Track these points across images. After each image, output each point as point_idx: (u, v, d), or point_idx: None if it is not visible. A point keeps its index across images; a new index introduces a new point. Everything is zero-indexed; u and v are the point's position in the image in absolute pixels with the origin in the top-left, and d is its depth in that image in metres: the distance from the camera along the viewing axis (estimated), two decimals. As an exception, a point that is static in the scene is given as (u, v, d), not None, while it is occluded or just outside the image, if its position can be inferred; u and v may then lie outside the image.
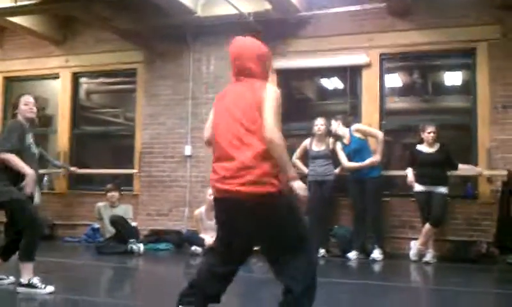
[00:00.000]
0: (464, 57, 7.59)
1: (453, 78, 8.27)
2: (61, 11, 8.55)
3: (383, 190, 7.08)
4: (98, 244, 7.46)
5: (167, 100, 8.36)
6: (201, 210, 7.22)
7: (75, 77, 9.42)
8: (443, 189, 6.55)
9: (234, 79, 3.00)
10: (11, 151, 4.25)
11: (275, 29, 7.69)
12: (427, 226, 6.50)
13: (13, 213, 4.39)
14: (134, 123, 8.88)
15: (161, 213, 8.19)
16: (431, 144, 6.69)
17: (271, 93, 2.82)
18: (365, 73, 7.70)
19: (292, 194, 2.84)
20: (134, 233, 7.29)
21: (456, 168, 6.73)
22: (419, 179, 6.66)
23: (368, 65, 7.64)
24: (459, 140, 7.79)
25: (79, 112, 9.48)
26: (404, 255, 6.85)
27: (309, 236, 2.95)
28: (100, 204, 7.57)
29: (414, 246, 6.67)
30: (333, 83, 8.67)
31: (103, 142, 9.86)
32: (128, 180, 8.66)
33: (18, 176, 4.26)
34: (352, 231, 7.04)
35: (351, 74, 7.83)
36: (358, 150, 6.91)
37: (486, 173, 6.92)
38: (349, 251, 6.86)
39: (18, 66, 9.60)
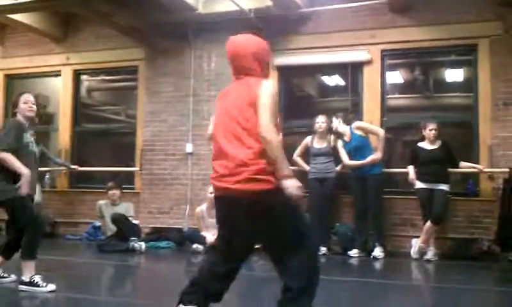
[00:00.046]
0: (466, 54, 7.59)
1: (454, 75, 8.24)
2: (62, 8, 8.55)
3: (384, 187, 7.06)
4: (100, 241, 7.47)
5: (168, 97, 8.35)
6: (203, 207, 7.21)
7: (76, 75, 9.43)
8: (444, 187, 6.54)
9: (234, 78, 3.00)
10: (7, 151, 4.25)
11: (276, 26, 7.68)
12: (428, 223, 6.49)
13: (14, 212, 4.39)
14: (135, 121, 8.87)
15: (162, 211, 8.19)
16: (432, 142, 6.68)
17: (266, 89, 2.80)
18: (366, 70, 7.69)
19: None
20: (135, 231, 7.29)
21: (457, 165, 6.72)
22: (420, 176, 6.65)
23: (369, 62, 7.63)
24: (461, 137, 7.77)
25: (80, 109, 9.49)
26: (405, 253, 6.85)
27: (310, 234, 2.93)
28: (101, 202, 7.57)
29: (415, 244, 6.67)
30: (334, 80, 8.65)
31: (104, 140, 9.86)
32: (129, 177, 8.66)
33: (16, 175, 4.26)
34: (354, 229, 7.03)
35: (352, 71, 7.82)
36: (358, 148, 6.90)
37: (488, 170, 6.91)
38: (351, 249, 6.85)
39: (19, 63, 9.60)
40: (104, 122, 9.93)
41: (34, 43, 9.46)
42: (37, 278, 4.25)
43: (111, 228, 7.28)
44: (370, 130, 7.09)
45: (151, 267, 6.63)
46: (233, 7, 7.25)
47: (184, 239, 7.56)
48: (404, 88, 8.42)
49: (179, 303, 2.91)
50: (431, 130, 6.65)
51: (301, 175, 7.37)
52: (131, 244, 7.02)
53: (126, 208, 7.53)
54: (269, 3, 7.32)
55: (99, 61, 9.10)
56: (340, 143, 7.06)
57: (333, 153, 7.12)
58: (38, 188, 7.25)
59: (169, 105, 8.31)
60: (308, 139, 7.32)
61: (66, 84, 9.35)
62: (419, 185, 6.67)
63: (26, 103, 4.50)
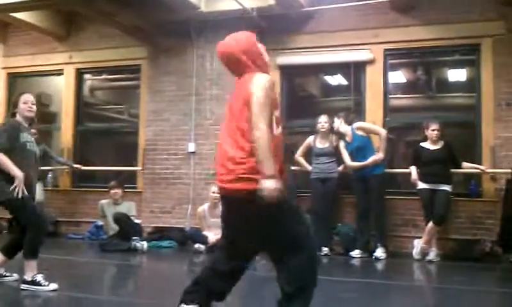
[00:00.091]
0: (469, 54, 7.57)
1: (457, 74, 8.23)
2: (65, 7, 8.57)
3: (387, 188, 7.05)
4: (102, 241, 7.47)
5: (171, 96, 8.34)
6: (205, 207, 7.21)
7: (79, 73, 9.43)
8: (446, 187, 6.53)
9: (236, 78, 3.01)
10: (0, 151, 4.25)
11: (278, 25, 7.68)
12: (431, 224, 6.48)
13: (14, 212, 4.41)
14: (137, 120, 8.87)
15: (164, 210, 8.19)
16: (434, 142, 6.66)
17: (257, 83, 2.74)
18: (368, 70, 7.68)
19: (288, 191, 2.84)
20: (137, 230, 7.30)
21: (459, 166, 6.71)
22: (423, 177, 6.64)
23: (372, 61, 7.62)
24: (463, 137, 7.76)
25: (82, 108, 9.49)
26: (407, 254, 6.84)
27: (309, 235, 2.92)
28: (104, 201, 7.57)
29: (417, 245, 6.66)
30: (336, 79, 8.63)
31: (107, 139, 9.87)
32: (131, 177, 8.66)
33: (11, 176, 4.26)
34: (356, 230, 7.02)
35: (355, 70, 7.81)
36: (360, 148, 6.89)
37: (490, 171, 6.89)
38: (352, 250, 6.84)
39: (22, 62, 9.61)
40: (107, 121, 9.95)
41: (37, 42, 9.47)
42: (39, 277, 4.25)
43: (113, 227, 7.28)
44: (372, 130, 7.08)
45: (153, 267, 6.63)
46: (236, 6, 7.24)
47: (185, 239, 7.55)
48: (407, 88, 8.41)
49: (181, 302, 2.91)
50: (433, 130, 6.63)
51: (303, 175, 7.40)
52: (133, 243, 7.02)
53: (128, 207, 7.54)
54: (272, 2, 7.32)
55: (102, 59, 9.09)
56: (342, 144, 7.05)
57: (336, 153, 7.11)
58: (40, 187, 7.27)
59: (172, 104, 8.31)
60: (310, 138, 7.31)
61: (69, 83, 9.36)
62: (421, 185, 6.65)
63: (26, 104, 4.50)
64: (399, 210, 7.28)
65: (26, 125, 4.52)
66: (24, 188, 4.24)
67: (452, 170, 6.68)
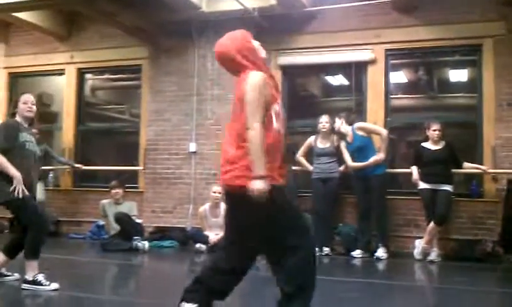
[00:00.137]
0: (470, 54, 7.57)
1: (458, 75, 8.22)
2: (66, 7, 8.57)
3: (388, 188, 7.05)
4: (103, 241, 7.47)
5: (172, 97, 8.35)
6: (206, 207, 7.21)
7: (80, 73, 9.44)
8: (448, 187, 6.53)
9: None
10: None
11: (280, 25, 7.67)
12: (432, 224, 6.47)
13: (15, 212, 4.42)
14: (139, 120, 8.87)
15: (166, 210, 8.19)
16: (436, 142, 6.66)
17: (250, 82, 2.76)
18: (370, 70, 7.68)
19: (287, 190, 2.85)
20: (138, 230, 7.30)
21: (460, 166, 6.70)
22: (424, 177, 6.63)
23: (373, 61, 7.62)
24: (464, 138, 7.75)
25: (84, 108, 9.49)
26: (408, 254, 6.83)
27: (308, 234, 2.91)
28: (105, 201, 7.58)
29: (418, 245, 6.65)
30: (337, 80, 8.63)
31: (108, 138, 9.87)
32: (133, 176, 8.66)
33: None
34: (357, 230, 7.02)
35: (356, 70, 7.81)
36: (361, 148, 6.89)
37: (491, 171, 6.88)
38: (354, 250, 6.84)
39: (24, 62, 9.62)
40: (108, 121, 9.95)
41: (38, 42, 9.48)
42: (40, 277, 4.26)
43: (115, 227, 7.29)
44: (373, 131, 7.07)
45: (154, 266, 6.63)
46: (237, 6, 7.24)
47: (187, 238, 7.56)
48: (408, 88, 8.40)
49: (182, 301, 2.92)
50: (434, 130, 6.63)
51: (304, 175, 7.40)
52: (134, 243, 7.02)
53: (129, 207, 7.55)
54: (273, 2, 7.31)
55: (103, 59, 9.10)
56: (343, 144, 7.05)
57: (337, 153, 7.11)
58: (41, 187, 7.28)
59: (173, 104, 8.31)
60: (311, 138, 7.31)
61: (70, 83, 9.36)
62: (423, 185, 6.65)
63: (25, 104, 4.50)
64: (400, 210, 7.28)
65: (26, 125, 4.52)
66: (24, 188, 4.25)
67: (454, 170, 6.68)
